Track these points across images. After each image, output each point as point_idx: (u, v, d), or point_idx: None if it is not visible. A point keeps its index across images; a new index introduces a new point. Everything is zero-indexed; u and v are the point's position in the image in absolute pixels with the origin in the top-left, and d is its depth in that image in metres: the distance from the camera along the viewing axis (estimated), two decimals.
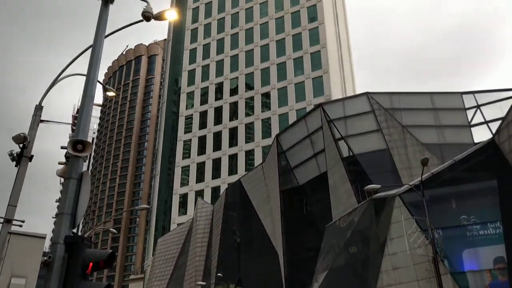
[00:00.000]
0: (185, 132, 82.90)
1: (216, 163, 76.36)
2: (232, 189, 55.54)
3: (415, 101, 37.58)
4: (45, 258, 7.44)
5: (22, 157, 12.13)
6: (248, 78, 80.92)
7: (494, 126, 30.57)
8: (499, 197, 24.77)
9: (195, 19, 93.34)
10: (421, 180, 23.96)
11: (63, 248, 7.72)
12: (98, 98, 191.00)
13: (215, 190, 73.28)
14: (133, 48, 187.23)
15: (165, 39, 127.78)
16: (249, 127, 76.40)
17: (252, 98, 78.68)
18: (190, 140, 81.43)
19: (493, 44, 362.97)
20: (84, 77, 10.01)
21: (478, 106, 35.41)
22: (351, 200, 33.08)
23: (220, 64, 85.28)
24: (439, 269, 22.52)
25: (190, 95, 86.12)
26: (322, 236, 32.67)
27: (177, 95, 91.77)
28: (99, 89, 12.56)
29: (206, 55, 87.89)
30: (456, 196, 26.41)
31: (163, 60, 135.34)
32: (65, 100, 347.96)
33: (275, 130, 69.91)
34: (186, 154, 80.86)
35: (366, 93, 37.66)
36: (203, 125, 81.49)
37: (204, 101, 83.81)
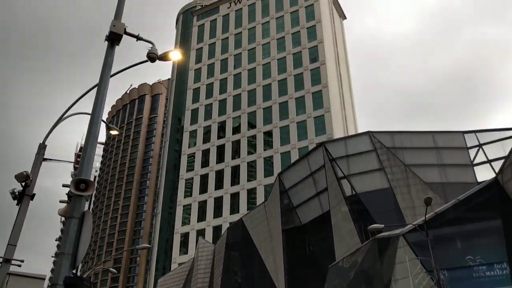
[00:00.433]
0: (187, 171, 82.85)
1: (218, 201, 75.94)
2: (234, 228, 54.94)
3: (417, 140, 37.67)
4: None
5: (24, 196, 12.11)
6: (251, 116, 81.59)
7: (497, 165, 30.51)
8: (504, 237, 24.45)
9: (198, 60, 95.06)
10: (425, 220, 23.71)
11: None
12: (101, 136, 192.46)
13: (217, 229, 72.53)
14: (137, 87, 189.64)
15: (169, 79, 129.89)
16: (251, 166, 76.40)
17: (254, 137, 79.05)
18: (192, 178, 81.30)
19: (493, 86, 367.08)
20: (88, 116, 10.11)
21: (480, 145, 35.45)
22: (354, 240, 32.64)
23: (223, 103, 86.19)
24: None
25: (193, 134, 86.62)
26: (325, 277, 32.06)
27: (179, 134, 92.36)
28: (102, 127, 12.67)
29: (209, 94, 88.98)
30: (461, 236, 26.07)
31: (167, 99, 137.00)
32: (68, 138, 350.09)
33: (277, 168, 69.87)
34: (188, 193, 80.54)
35: (368, 132, 37.81)
36: (205, 163, 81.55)
37: (206, 139, 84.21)
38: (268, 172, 73.56)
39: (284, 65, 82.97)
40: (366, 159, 36.65)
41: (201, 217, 76.52)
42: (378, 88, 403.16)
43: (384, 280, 26.28)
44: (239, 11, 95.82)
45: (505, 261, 23.86)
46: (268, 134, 77.91)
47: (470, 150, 35.74)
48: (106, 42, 10.80)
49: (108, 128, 17.89)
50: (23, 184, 12.15)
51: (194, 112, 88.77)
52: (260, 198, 70.02)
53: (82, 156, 9.27)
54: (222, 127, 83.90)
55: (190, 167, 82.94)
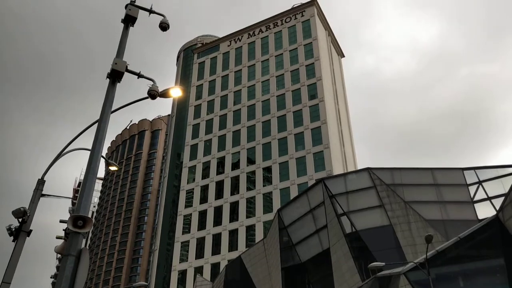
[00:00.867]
0: (186, 207, 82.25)
1: (216, 238, 75.05)
2: (232, 266, 54.07)
3: (416, 177, 37.57)
4: None
5: (20, 232, 11.97)
6: (250, 152, 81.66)
7: (497, 202, 30.36)
8: (507, 277, 24.04)
9: (198, 96, 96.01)
10: (426, 258, 23.40)
11: None
12: (101, 171, 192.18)
13: (215, 267, 71.39)
14: (137, 123, 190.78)
15: (168, 115, 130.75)
16: (250, 202, 75.90)
17: (253, 172, 78.89)
18: (191, 214, 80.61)
19: (489, 122, 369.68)
20: (87, 151, 10.10)
21: (480, 182, 35.34)
22: (354, 278, 32.09)
23: (222, 139, 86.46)
24: None
25: (192, 169, 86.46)
26: None
27: (179, 170, 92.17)
28: (101, 162, 12.65)
29: (208, 130, 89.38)
30: (463, 275, 25.67)
31: (166, 134, 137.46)
32: (67, 172, 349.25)
33: (276, 204, 69.41)
34: (186, 229, 79.69)
35: (368, 169, 37.75)
36: (204, 199, 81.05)
37: (205, 175, 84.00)
38: (267, 208, 73.04)
39: (283, 102, 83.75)
40: (365, 195, 36.45)
41: (199, 254, 75.45)
42: (376, 124, 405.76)
43: None
44: (239, 49, 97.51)
45: None
46: (267, 170, 77.78)
47: (470, 187, 35.61)
48: (108, 79, 10.92)
49: (108, 164, 17.87)
50: (20, 220, 12.02)
51: (194, 148, 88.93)
52: (259, 235, 69.23)
53: (81, 192, 9.20)
54: (221, 162, 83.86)
55: (189, 203, 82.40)
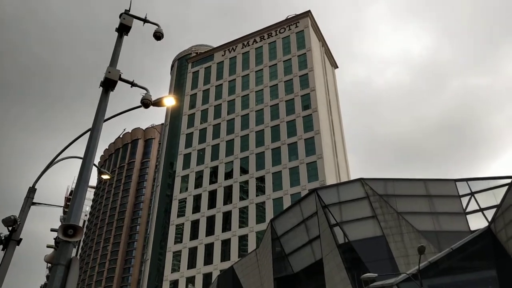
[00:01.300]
0: (178, 216, 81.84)
1: (209, 248, 74.63)
2: (224, 276, 53.72)
3: (409, 187, 37.64)
4: None
5: (10, 241, 11.83)
6: (243, 162, 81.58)
7: (489, 213, 30.45)
8: (499, 287, 24.06)
9: (192, 105, 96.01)
10: (419, 269, 23.39)
11: None
12: (93, 179, 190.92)
13: (207, 277, 70.91)
14: (130, 131, 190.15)
15: (162, 123, 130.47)
16: (243, 212, 75.66)
17: (246, 182, 78.74)
18: (183, 224, 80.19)
19: (480, 133, 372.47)
20: (79, 160, 10.03)
21: (472, 194, 35.47)
22: None
23: (215, 149, 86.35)
24: None
25: (185, 179, 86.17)
26: None
27: (171, 179, 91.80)
28: (94, 171, 12.57)
29: (202, 139, 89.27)
30: (456, 286, 25.69)
31: (160, 143, 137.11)
32: (59, 180, 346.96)
33: (269, 214, 69.24)
34: (178, 239, 79.21)
35: (360, 179, 37.78)
36: (196, 209, 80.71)
37: (198, 184, 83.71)
38: (260, 218, 72.84)
39: (277, 112, 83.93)
40: (358, 206, 36.44)
41: (191, 264, 74.94)
42: (369, 135, 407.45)
43: None
44: (233, 59, 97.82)
45: None
46: (261, 180, 77.68)
47: (462, 198, 35.71)
48: (101, 88, 10.88)
49: (100, 172, 17.74)
50: (10, 228, 11.89)
51: (187, 157, 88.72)
52: (251, 245, 68.94)
53: (72, 201, 9.12)
54: (214, 172, 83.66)
55: (181, 213, 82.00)
